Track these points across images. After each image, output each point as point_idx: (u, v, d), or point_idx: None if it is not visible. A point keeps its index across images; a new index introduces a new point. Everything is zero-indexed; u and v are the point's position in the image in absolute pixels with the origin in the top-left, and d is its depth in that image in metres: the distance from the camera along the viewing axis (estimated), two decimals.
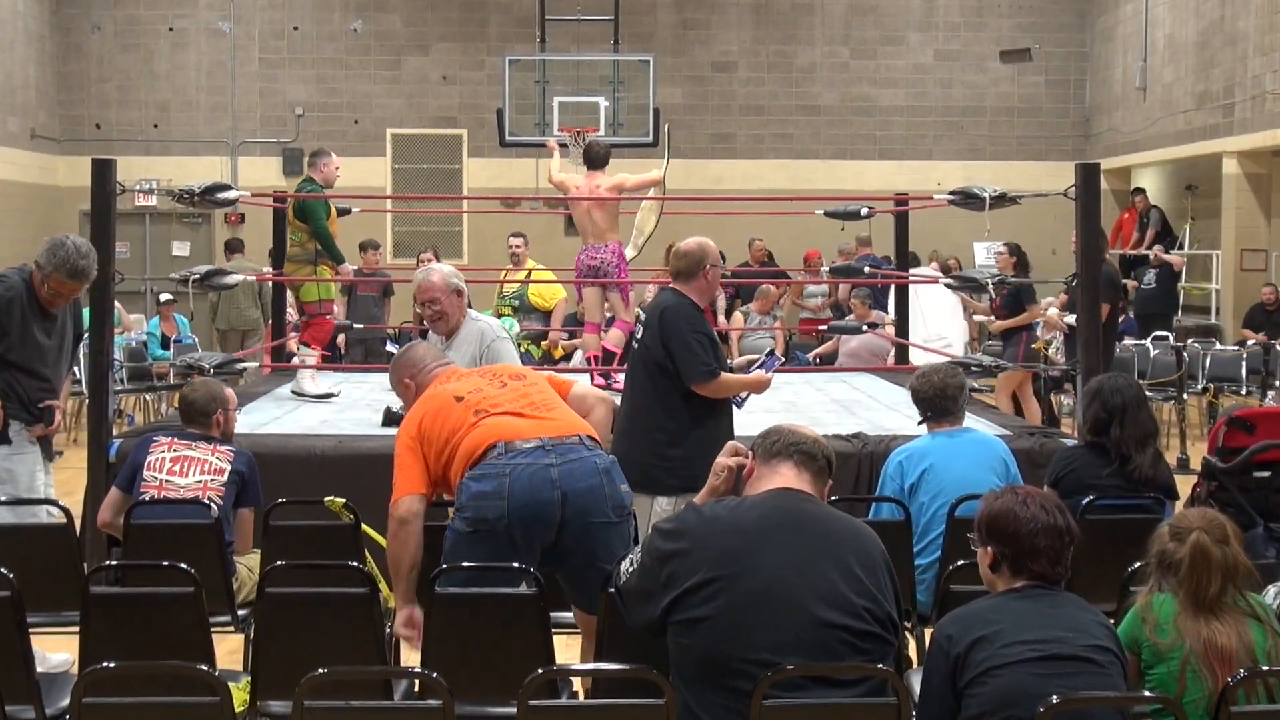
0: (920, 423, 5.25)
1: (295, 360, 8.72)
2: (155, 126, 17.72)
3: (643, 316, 5.44)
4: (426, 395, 4.23)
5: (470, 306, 5.92)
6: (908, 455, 5.05)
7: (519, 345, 7.67)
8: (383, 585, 4.60)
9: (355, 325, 11.05)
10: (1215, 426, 5.25)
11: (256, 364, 9.56)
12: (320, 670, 2.93)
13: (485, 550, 3.87)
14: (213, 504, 4.89)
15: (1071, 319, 9.84)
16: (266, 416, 7.68)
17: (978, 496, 4.63)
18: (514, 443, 3.95)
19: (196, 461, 5.07)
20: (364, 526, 4.83)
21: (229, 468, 5.09)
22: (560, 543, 3.94)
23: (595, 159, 8.64)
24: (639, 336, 5.42)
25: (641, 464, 5.00)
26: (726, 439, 4.32)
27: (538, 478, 3.89)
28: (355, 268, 9.31)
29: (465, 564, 3.92)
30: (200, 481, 5.02)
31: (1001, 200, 7.49)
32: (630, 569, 3.14)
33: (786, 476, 3.16)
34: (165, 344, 13.02)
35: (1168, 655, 3.19)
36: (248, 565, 5.00)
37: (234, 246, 14.64)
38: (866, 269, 11.17)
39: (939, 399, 5.07)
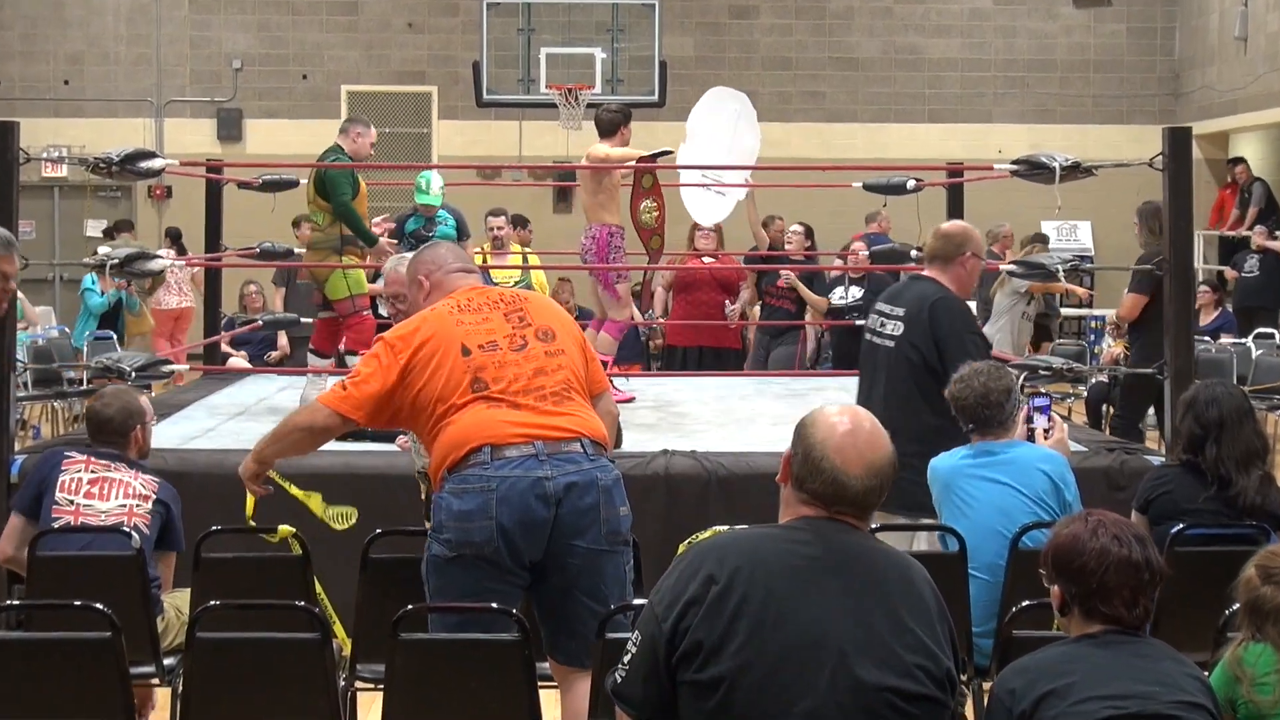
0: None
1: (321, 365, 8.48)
2: (66, 83, 17.72)
3: (887, 309, 5.52)
4: (437, 316, 4.20)
5: None
6: (929, 474, 5.11)
7: None
8: (337, 628, 4.61)
9: (301, 320, 11.02)
10: None
11: (186, 367, 9.55)
12: None
13: (471, 578, 3.96)
14: (136, 533, 4.90)
15: (1112, 313, 9.86)
16: (197, 428, 7.69)
17: (1027, 530, 4.69)
18: (502, 448, 3.99)
19: (118, 484, 5.09)
20: (289, 486, 4.75)
21: (154, 496, 5.12)
22: (540, 562, 4.01)
23: (601, 126, 8.67)
24: (887, 330, 5.51)
25: (913, 482, 4.95)
26: None
27: (528, 493, 3.95)
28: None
29: (435, 604, 3.94)
30: (124, 506, 5.04)
31: (1074, 171, 7.49)
32: (625, 663, 3.01)
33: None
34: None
35: (1270, 714, 3.20)
36: (176, 605, 5.01)
37: (121, 227, 14.64)
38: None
39: (981, 406, 5.07)
